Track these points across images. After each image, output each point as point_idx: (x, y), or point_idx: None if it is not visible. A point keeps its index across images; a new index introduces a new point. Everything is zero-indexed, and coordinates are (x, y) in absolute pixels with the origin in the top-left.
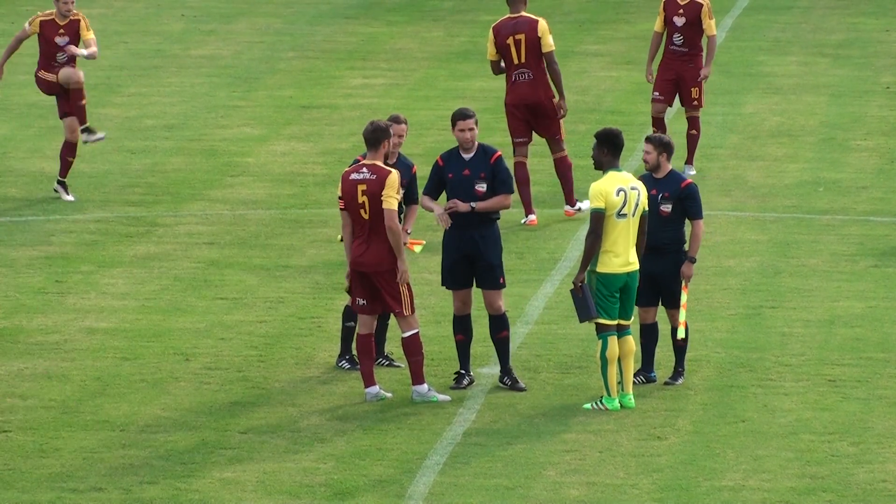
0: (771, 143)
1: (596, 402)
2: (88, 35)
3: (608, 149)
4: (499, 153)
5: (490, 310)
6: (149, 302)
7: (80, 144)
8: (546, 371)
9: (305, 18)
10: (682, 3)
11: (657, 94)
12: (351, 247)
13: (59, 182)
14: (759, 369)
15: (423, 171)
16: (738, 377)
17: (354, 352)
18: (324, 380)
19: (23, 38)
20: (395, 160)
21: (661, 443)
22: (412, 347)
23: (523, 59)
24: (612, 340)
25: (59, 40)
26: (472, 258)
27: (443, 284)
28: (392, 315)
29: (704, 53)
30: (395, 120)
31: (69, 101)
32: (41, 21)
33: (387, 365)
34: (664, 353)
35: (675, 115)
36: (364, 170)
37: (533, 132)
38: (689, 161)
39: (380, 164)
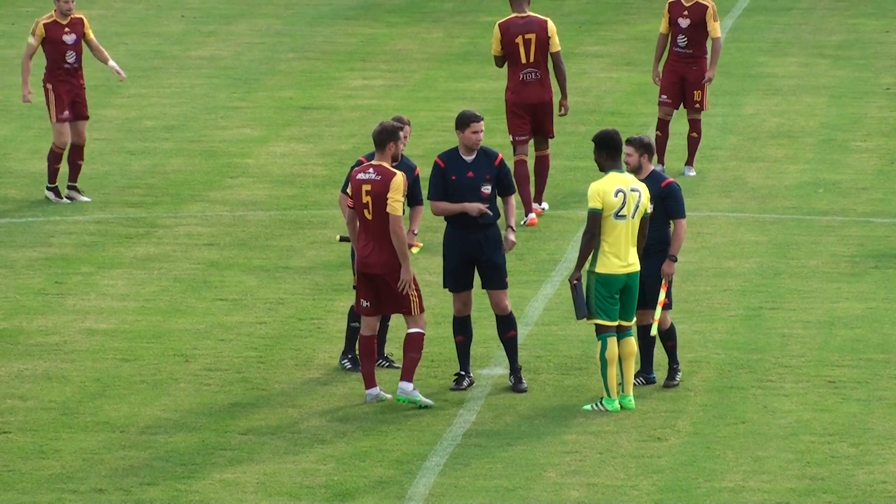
0: (771, 145)
1: (596, 404)
2: (92, 36)
3: (606, 151)
4: (501, 155)
5: (497, 310)
6: (148, 303)
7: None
8: (546, 372)
9: (305, 19)
10: (687, 5)
11: (664, 97)
12: (357, 245)
13: (69, 187)
14: (759, 370)
15: (424, 173)
16: (738, 378)
17: (357, 352)
18: (324, 381)
19: (32, 53)
20: (398, 160)
21: (661, 444)
22: (413, 344)
23: (532, 59)
24: (612, 342)
25: (67, 38)
26: (476, 260)
27: (445, 286)
28: (392, 315)
29: (709, 56)
30: (398, 121)
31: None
32: (44, 25)
33: (386, 366)
34: (664, 355)
35: (675, 116)
36: (370, 170)
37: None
38: (689, 163)
39: (386, 165)
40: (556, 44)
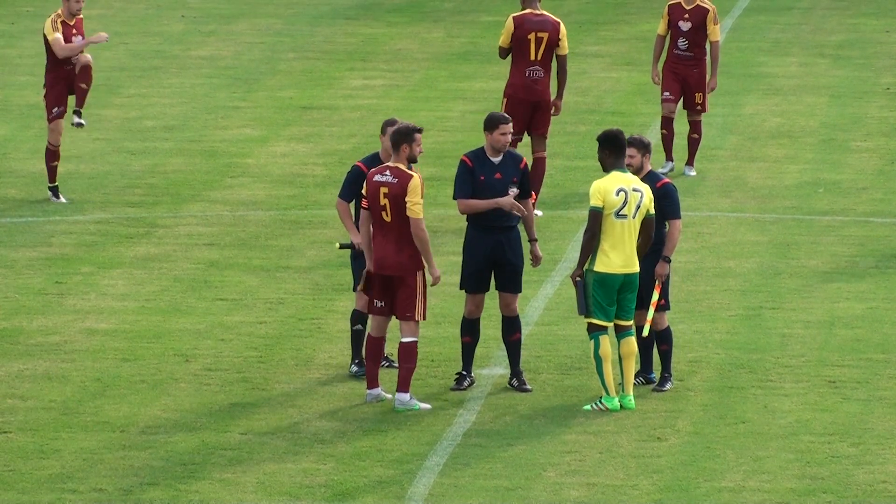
0: (771, 144)
1: (595, 403)
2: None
3: (609, 150)
4: (525, 159)
5: (506, 311)
6: (149, 303)
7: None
8: (546, 372)
9: (305, 19)
10: (687, 8)
11: (667, 93)
12: (371, 246)
13: (75, 112)
14: (759, 370)
15: (425, 173)
16: (738, 378)
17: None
18: (324, 381)
19: (65, 42)
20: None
21: (661, 444)
22: (408, 354)
23: (540, 57)
24: (604, 340)
25: (75, 39)
26: (498, 262)
27: (461, 287)
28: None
29: (709, 59)
30: (390, 124)
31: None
32: (60, 23)
33: (386, 366)
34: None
35: (675, 117)
36: (387, 172)
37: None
38: (689, 163)
39: (402, 167)
40: (565, 47)
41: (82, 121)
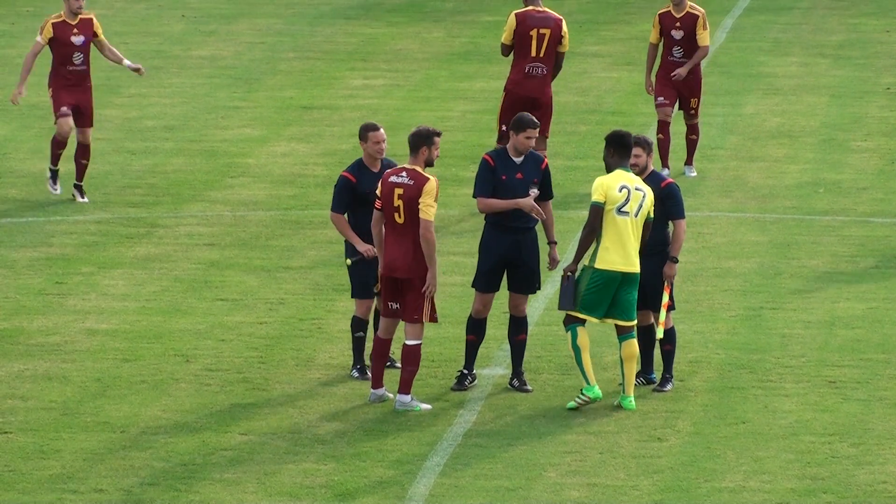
0: (771, 144)
1: (578, 397)
2: (103, 37)
3: (615, 149)
4: (546, 160)
5: (514, 311)
6: (149, 303)
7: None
8: (546, 372)
9: (306, 19)
10: (678, 16)
11: (661, 98)
12: (383, 247)
13: (75, 186)
14: (760, 371)
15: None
16: (739, 378)
17: (367, 361)
18: (324, 381)
19: (38, 52)
20: (379, 167)
21: (662, 444)
22: (412, 357)
23: (541, 54)
24: (582, 331)
25: (76, 39)
26: (513, 262)
27: (473, 286)
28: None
29: (704, 64)
30: (373, 128)
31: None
32: (53, 24)
33: (388, 366)
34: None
35: (674, 117)
36: (403, 174)
37: None
38: (688, 162)
39: (419, 169)
40: (566, 44)
41: (85, 199)
